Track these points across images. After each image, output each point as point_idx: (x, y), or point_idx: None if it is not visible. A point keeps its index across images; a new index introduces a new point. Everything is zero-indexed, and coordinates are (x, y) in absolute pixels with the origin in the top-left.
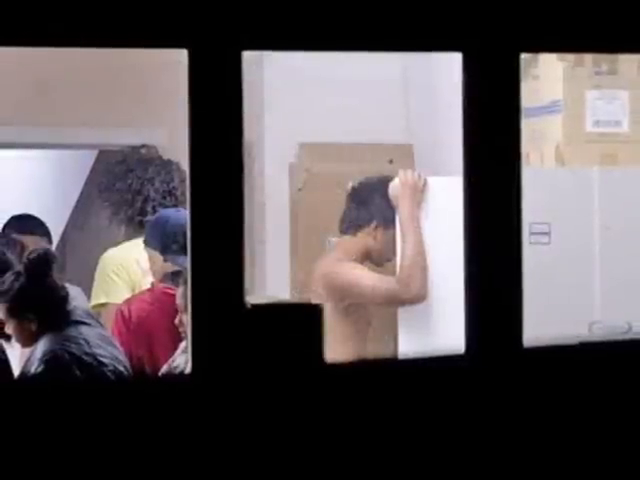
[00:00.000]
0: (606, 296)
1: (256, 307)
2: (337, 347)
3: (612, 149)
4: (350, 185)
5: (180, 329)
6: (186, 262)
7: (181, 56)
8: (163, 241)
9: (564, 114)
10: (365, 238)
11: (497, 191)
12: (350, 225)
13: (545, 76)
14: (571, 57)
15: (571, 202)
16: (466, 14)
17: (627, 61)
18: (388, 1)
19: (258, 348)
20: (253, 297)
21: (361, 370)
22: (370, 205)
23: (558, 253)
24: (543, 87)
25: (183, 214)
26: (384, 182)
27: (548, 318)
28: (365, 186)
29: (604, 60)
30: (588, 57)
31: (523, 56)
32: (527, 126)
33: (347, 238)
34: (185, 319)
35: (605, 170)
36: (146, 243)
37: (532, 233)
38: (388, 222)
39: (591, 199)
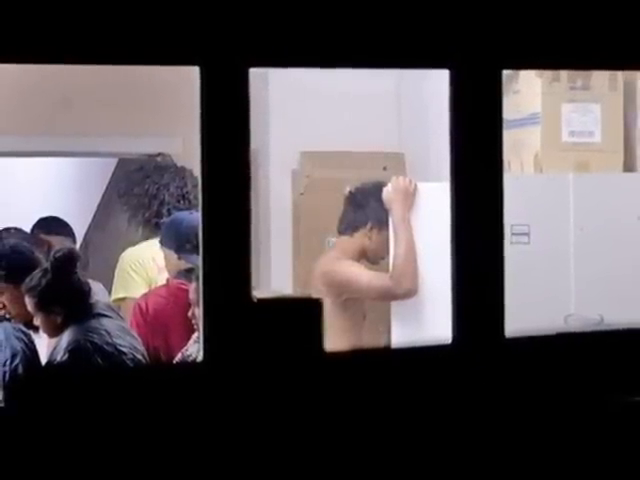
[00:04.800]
0: (580, 291)
1: (262, 301)
2: (336, 338)
3: (585, 157)
4: (347, 190)
5: (193, 321)
6: (198, 260)
7: (193, 73)
8: (177, 241)
9: (542, 125)
10: (361, 238)
11: (481, 195)
12: (347, 226)
13: (525, 91)
14: (548, 74)
15: (548, 205)
16: (452, 35)
17: (599, 77)
18: (382, 24)
19: (263, 338)
20: (259, 292)
21: (358, 359)
22: (366, 208)
23: (537, 252)
24: (523, 101)
25: (195, 216)
26: (378, 187)
27: (528, 311)
28: (361, 191)
29: (578, 76)
30: (564, 74)
31: (505, 73)
32: (509, 136)
33: (345, 238)
34: (197, 312)
35: (579, 176)
36: (162, 243)
37: (513, 234)
38: (382, 224)
39: (566, 203)
